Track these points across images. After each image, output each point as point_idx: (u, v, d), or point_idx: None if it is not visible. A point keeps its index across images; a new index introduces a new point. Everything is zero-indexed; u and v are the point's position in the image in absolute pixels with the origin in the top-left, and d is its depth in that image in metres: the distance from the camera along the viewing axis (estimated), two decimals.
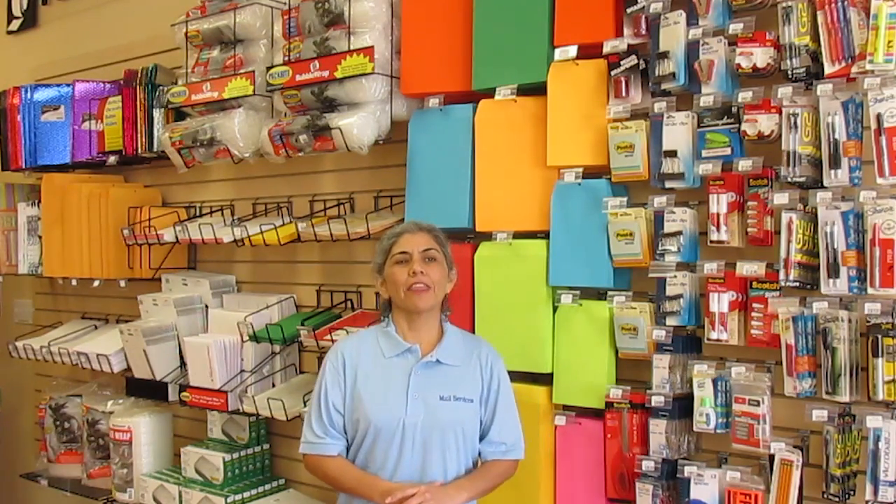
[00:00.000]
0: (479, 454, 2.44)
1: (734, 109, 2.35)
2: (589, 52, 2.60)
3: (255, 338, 3.27)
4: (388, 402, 2.34)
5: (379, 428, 2.33)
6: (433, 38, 2.92)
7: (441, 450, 2.34)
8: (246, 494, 3.38)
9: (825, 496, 2.20)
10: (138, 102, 3.81)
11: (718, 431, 2.36)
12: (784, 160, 2.24)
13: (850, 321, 2.18)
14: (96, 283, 3.92)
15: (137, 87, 3.82)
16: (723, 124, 2.37)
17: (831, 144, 2.18)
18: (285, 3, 3.20)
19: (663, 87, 2.46)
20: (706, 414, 2.35)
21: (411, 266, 2.36)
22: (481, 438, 2.43)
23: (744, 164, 2.32)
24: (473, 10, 2.83)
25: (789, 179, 2.23)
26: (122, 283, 3.88)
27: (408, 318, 2.42)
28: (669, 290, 2.44)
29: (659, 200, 2.47)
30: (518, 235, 2.76)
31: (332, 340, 3.00)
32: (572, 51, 2.62)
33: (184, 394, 3.41)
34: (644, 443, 2.49)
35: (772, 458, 2.26)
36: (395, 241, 2.43)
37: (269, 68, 3.16)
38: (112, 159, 3.96)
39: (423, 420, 2.33)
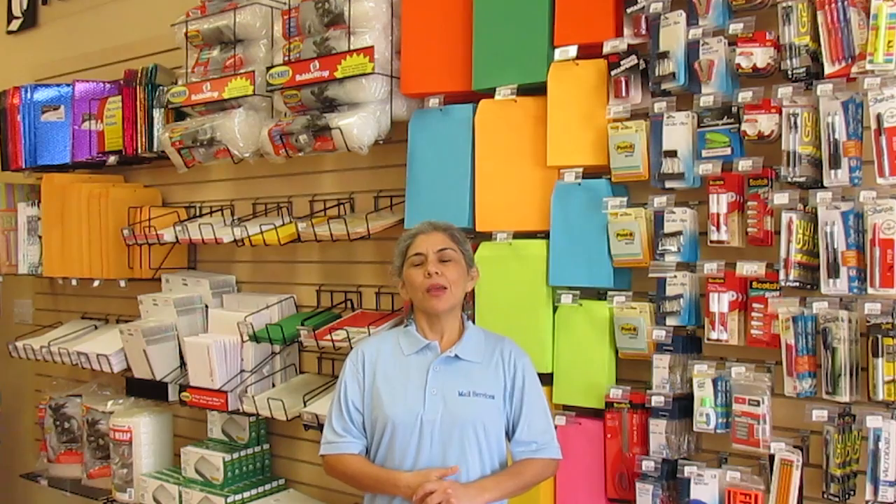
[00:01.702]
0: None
1: (734, 109, 2.35)
2: (589, 52, 2.60)
3: (255, 338, 3.27)
4: (407, 399, 2.31)
5: (396, 424, 2.29)
6: (433, 38, 2.92)
7: (461, 447, 2.29)
8: (246, 494, 3.38)
9: (825, 496, 2.20)
10: (138, 102, 3.81)
11: (718, 431, 2.36)
12: (784, 160, 2.24)
13: (850, 321, 2.18)
14: (96, 283, 3.92)
15: (137, 87, 3.82)
16: (723, 124, 2.37)
17: (831, 144, 2.18)
18: (285, 3, 3.20)
19: (663, 87, 2.46)
20: (706, 414, 2.35)
21: (426, 267, 2.33)
22: (511, 437, 2.38)
23: (744, 164, 2.31)
24: (473, 10, 2.83)
25: (789, 179, 2.23)
26: (122, 283, 3.88)
27: (427, 318, 2.39)
28: (669, 290, 2.44)
29: (659, 200, 2.47)
30: (518, 235, 2.76)
31: (332, 340, 3.01)
32: (572, 51, 2.62)
33: (184, 394, 3.41)
34: (644, 443, 2.49)
35: (772, 458, 2.26)
36: (411, 242, 2.39)
37: (269, 68, 3.16)
38: (112, 159, 3.96)
39: (441, 416, 2.29)
